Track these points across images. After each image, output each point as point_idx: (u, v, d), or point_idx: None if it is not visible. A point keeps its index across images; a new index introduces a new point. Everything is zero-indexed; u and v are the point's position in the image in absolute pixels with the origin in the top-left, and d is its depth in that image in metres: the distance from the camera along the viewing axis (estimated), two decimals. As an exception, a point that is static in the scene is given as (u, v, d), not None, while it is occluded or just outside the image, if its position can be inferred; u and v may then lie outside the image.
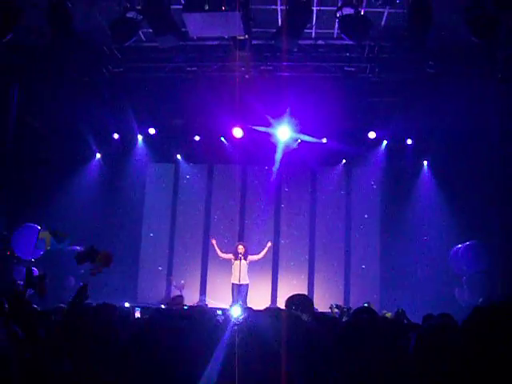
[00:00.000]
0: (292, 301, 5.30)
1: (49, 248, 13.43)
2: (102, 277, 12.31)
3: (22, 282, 12.78)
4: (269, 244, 14.58)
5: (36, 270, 13.98)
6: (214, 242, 14.70)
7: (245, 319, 5.18)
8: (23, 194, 14.30)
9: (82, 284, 7.18)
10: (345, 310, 9.65)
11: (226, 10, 8.99)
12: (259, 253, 14.35)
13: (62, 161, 15.21)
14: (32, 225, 13.93)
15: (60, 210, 14.91)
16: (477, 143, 13.80)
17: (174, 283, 15.37)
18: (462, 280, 13.87)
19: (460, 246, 13.95)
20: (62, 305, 7.75)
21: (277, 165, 15.80)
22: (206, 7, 9.03)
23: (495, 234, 13.27)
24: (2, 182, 13.54)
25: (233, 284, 13.86)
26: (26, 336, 3.73)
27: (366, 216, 16.13)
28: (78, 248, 15.03)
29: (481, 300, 12.80)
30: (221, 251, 14.45)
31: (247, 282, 13.85)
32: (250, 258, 14.06)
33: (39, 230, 13.50)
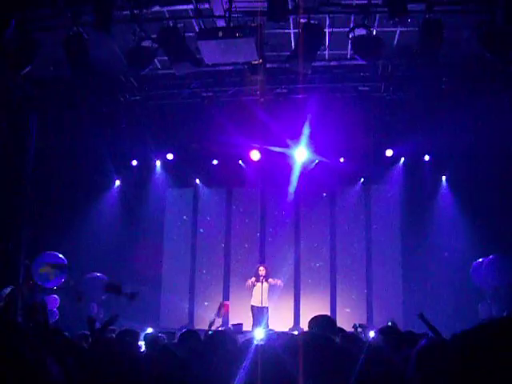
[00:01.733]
0: (315, 322, 5.32)
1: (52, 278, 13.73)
2: (125, 302, 12.41)
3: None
4: (277, 282, 14.23)
5: (57, 298, 14.15)
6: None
7: (268, 342, 5.21)
8: (43, 222, 14.45)
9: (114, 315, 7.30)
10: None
11: (239, 37, 9.10)
12: (279, 280, 14.18)
13: (81, 189, 15.33)
14: (52, 252, 14.07)
15: (80, 237, 15.05)
16: (494, 157, 13.77)
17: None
18: (487, 294, 13.76)
19: (481, 259, 13.84)
20: (85, 332, 7.81)
21: (295, 186, 15.83)
22: (220, 34, 9.16)
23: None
24: (23, 211, 13.70)
25: (253, 306, 13.77)
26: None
27: (385, 242, 16.11)
28: (98, 275, 15.18)
29: (505, 314, 12.69)
30: (247, 285, 14.17)
31: (268, 304, 13.82)
32: (271, 281, 13.98)
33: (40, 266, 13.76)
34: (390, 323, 9.12)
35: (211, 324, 9.01)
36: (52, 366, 1.73)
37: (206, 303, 15.66)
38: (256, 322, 13.60)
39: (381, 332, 5.59)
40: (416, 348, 3.07)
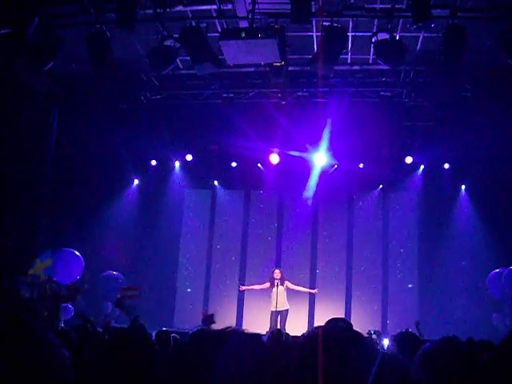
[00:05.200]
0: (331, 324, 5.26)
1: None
2: (139, 302, 12.40)
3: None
4: (314, 291, 14.89)
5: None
6: (243, 288, 14.85)
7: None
8: (61, 219, 14.49)
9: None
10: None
11: (262, 38, 9.05)
12: (299, 285, 14.27)
13: (100, 187, 15.34)
14: (70, 250, 14.05)
15: (98, 235, 15.09)
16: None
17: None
18: (505, 305, 13.55)
19: (498, 270, 13.64)
20: (98, 329, 7.80)
21: (313, 190, 15.78)
22: (243, 35, 9.12)
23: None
24: (41, 207, 13.74)
25: (271, 311, 13.70)
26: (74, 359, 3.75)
27: (402, 249, 16.02)
28: (114, 273, 15.15)
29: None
30: (257, 284, 14.41)
31: (286, 307, 13.63)
32: (288, 284, 13.89)
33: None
34: (404, 330, 9.04)
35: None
36: (61, 349, 1.71)
37: (219, 305, 15.72)
38: (271, 325, 13.51)
39: (395, 339, 5.53)
40: (422, 350, 3.06)
